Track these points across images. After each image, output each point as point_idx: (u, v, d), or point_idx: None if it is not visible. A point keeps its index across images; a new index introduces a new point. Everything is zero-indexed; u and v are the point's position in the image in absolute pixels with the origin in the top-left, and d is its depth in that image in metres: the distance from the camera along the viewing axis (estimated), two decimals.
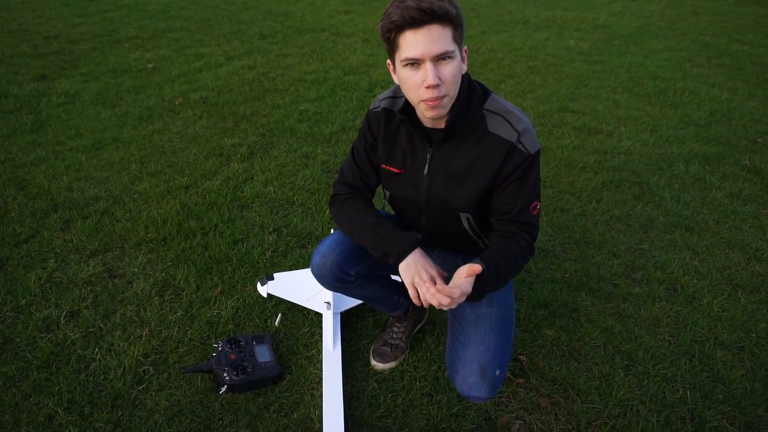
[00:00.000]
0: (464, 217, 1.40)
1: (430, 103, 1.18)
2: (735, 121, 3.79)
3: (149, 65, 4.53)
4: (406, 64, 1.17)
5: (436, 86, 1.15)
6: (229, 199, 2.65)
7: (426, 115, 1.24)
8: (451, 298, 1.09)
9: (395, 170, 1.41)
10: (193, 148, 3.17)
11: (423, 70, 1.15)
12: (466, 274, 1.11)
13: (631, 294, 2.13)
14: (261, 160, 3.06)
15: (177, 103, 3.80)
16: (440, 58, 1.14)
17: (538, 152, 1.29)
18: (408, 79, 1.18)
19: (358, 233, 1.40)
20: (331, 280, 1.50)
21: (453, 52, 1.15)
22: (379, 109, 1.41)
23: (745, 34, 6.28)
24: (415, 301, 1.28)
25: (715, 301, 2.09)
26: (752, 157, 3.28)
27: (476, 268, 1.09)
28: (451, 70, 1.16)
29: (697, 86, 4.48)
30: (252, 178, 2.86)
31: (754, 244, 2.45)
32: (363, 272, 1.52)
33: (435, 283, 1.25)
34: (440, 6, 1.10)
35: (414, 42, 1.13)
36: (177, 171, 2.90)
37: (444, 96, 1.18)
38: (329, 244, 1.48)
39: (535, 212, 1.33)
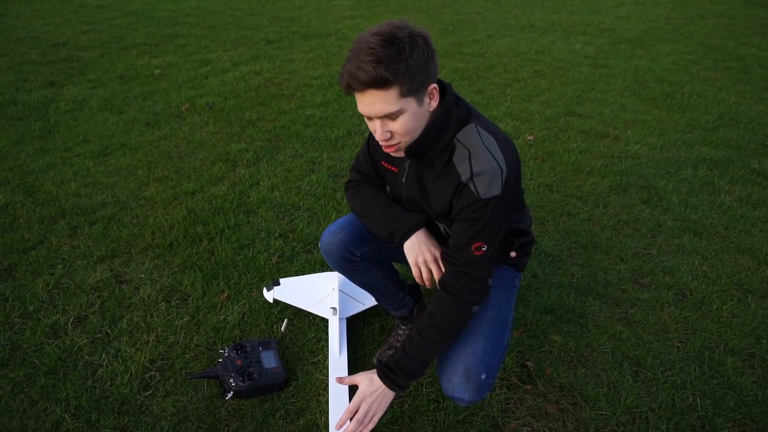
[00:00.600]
0: (441, 227, 1.44)
1: (385, 148, 1.26)
2: (743, 125, 3.77)
3: (156, 71, 4.56)
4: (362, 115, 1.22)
5: (385, 139, 1.21)
6: (235, 205, 2.65)
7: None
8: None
9: (393, 169, 1.45)
10: (199, 153, 3.19)
11: (374, 123, 1.20)
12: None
13: (639, 299, 2.11)
14: (267, 165, 3.07)
15: (184, 108, 3.82)
16: (386, 116, 1.17)
17: (494, 198, 1.23)
18: (368, 125, 1.24)
19: (369, 214, 1.49)
20: (337, 258, 1.56)
21: (399, 110, 1.16)
22: None
23: (752, 37, 6.24)
24: (417, 279, 1.41)
25: (725, 307, 2.07)
26: (761, 160, 3.25)
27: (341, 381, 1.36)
28: (402, 124, 1.19)
29: (705, 90, 4.45)
30: (258, 184, 2.87)
31: (764, 248, 2.43)
32: (368, 254, 1.57)
33: (438, 264, 1.38)
34: (374, 76, 1.09)
35: (360, 102, 1.17)
36: (183, 176, 2.92)
37: (398, 143, 1.24)
38: (339, 224, 1.56)
39: (477, 253, 1.28)
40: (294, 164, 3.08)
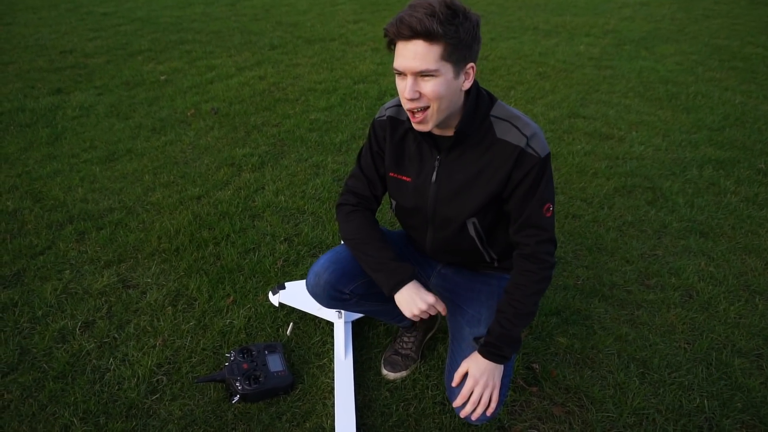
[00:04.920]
0: (470, 223, 1.40)
1: (414, 117, 1.24)
2: (749, 125, 3.75)
3: (162, 77, 4.60)
4: (396, 73, 1.21)
5: (412, 99, 1.19)
6: (240, 209, 2.67)
7: (414, 127, 1.28)
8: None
9: (405, 178, 1.42)
10: (205, 158, 3.21)
11: (406, 81, 1.19)
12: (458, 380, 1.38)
13: (645, 301, 2.10)
14: (272, 169, 3.08)
15: (189, 114, 3.85)
16: (421, 74, 1.17)
17: (548, 155, 1.30)
18: (397, 86, 1.23)
19: (360, 252, 1.45)
20: (325, 298, 1.51)
21: (436, 71, 1.16)
22: (384, 118, 1.43)
23: (758, 36, 6.21)
24: (415, 318, 1.39)
25: (732, 308, 2.06)
26: (767, 160, 3.23)
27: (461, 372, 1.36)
28: (433, 87, 1.18)
29: (710, 90, 4.44)
30: (263, 188, 2.88)
31: None
32: (358, 290, 1.52)
33: (435, 309, 1.38)
34: (425, 25, 1.10)
35: (401, 54, 1.17)
36: (189, 181, 2.94)
37: (425, 108, 1.21)
38: (323, 264, 1.49)
39: (548, 214, 1.33)
40: (299, 168, 3.09)
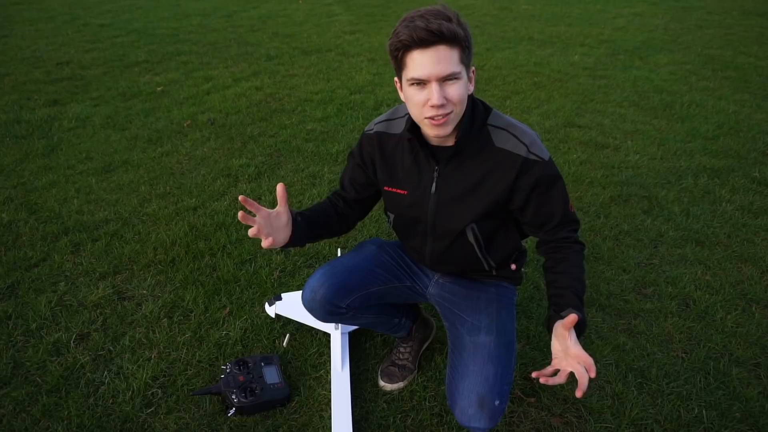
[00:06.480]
0: (470, 230, 1.40)
1: (434, 121, 1.20)
2: (743, 134, 3.77)
3: (158, 88, 4.60)
4: (413, 83, 1.19)
5: (440, 106, 1.17)
6: (236, 220, 2.66)
7: (429, 133, 1.27)
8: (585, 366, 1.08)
9: (400, 192, 1.42)
10: (201, 169, 3.20)
11: (428, 89, 1.17)
12: (568, 334, 1.12)
13: (642, 310, 2.10)
14: (268, 180, 3.08)
15: (186, 125, 3.85)
16: (446, 79, 1.16)
17: (550, 157, 1.32)
18: (413, 97, 1.20)
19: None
20: (322, 313, 1.50)
21: (459, 73, 1.17)
22: (372, 132, 1.44)
23: (750, 46, 6.27)
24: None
25: (729, 317, 2.06)
26: (762, 169, 3.25)
27: (571, 319, 1.09)
28: (457, 90, 1.18)
29: (704, 99, 4.47)
30: (260, 198, 2.88)
31: (767, 257, 2.42)
32: (355, 304, 1.51)
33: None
34: (449, 28, 1.12)
35: (421, 62, 1.15)
36: (185, 192, 2.93)
37: (449, 113, 1.20)
38: (318, 278, 1.49)
39: (572, 210, 1.36)
40: (295, 179, 3.09)
